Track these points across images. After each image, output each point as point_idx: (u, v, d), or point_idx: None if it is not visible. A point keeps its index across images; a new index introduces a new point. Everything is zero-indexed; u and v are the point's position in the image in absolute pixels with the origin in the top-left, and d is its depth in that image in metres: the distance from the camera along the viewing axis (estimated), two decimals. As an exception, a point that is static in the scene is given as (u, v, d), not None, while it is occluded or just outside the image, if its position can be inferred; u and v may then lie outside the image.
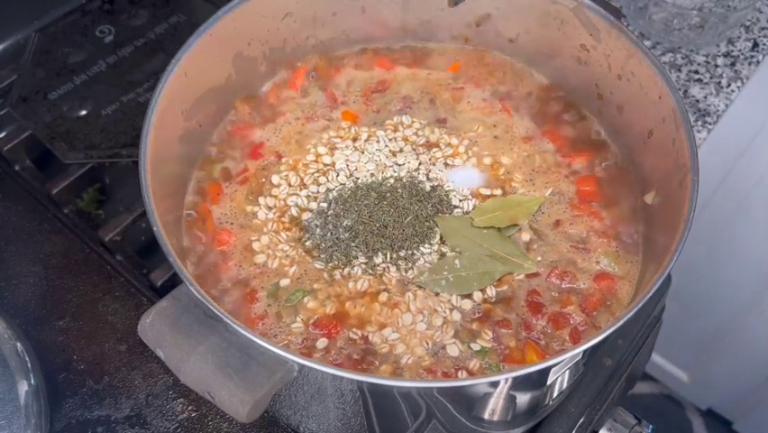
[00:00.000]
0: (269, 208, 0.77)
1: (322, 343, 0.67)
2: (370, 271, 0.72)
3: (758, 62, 1.06)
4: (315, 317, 0.69)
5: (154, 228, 0.61)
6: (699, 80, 1.04)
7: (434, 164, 0.80)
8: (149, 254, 0.90)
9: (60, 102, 0.92)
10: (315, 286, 0.71)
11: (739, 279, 1.56)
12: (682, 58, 1.06)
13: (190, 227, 0.75)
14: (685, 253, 0.61)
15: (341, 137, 0.82)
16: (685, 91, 1.03)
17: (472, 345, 0.67)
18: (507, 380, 0.59)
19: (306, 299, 0.70)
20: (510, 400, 0.64)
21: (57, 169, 0.92)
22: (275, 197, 0.77)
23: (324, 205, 0.76)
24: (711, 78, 1.04)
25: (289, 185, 0.78)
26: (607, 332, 0.57)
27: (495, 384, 0.60)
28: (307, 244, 0.74)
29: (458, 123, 0.84)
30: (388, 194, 0.76)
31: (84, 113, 0.91)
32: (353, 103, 0.87)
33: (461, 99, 0.87)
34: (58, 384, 0.76)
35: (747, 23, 1.11)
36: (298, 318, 0.69)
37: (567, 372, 0.65)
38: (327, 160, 0.80)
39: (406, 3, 0.87)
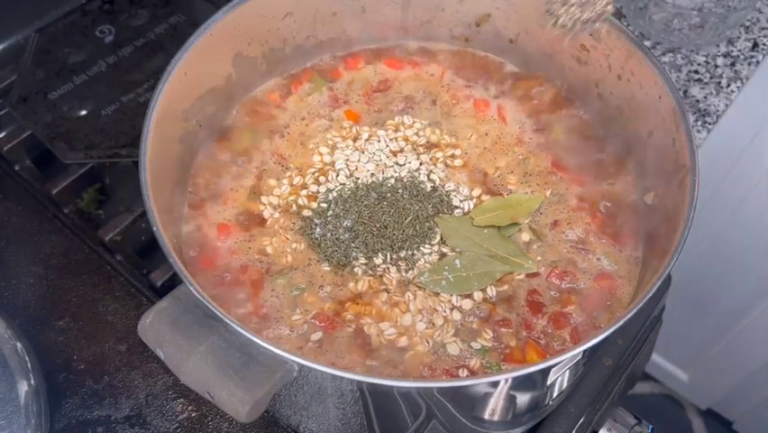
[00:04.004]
0: (274, 207, 0.77)
1: (316, 335, 0.67)
2: (370, 272, 0.72)
3: (758, 62, 1.06)
4: (314, 312, 0.69)
5: (154, 228, 0.61)
6: (699, 80, 1.04)
7: (434, 164, 0.80)
8: (149, 254, 0.90)
9: (60, 102, 0.92)
10: (315, 284, 0.71)
11: (739, 278, 1.56)
12: (682, 58, 1.06)
13: (191, 225, 0.75)
14: (685, 253, 0.61)
15: (342, 137, 0.82)
16: (685, 91, 1.03)
17: (473, 343, 0.67)
18: (507, 380, 0.59)
19: (305, 294, 0.70)
20: (510, 399, 0.64)
21: (57, 169, 0.92)
22: (277, 196, 0.77)
23: (324, 205, 0.76)
24: (711, 78, 1.04)
25: (291, 185, 0.78)
26: (607, 332, 0.57)
27: (495, 384, 0.60)
28: (308, 243, 0.74)
29: (453, 127, 0.84)
30: (389, 194, 0.76)
31: (84, 113, 0.91)
32: (355, 103, 0.87)
33: (458, 101, 0.87)
34: (58, 384, 0.76)
35: (747, 23, 1.11)
36: (297, 310, 0.69)
37: (567, 372, 0.65)
38: (327, 159, 0.80)
39: (407, 3, 0.87)
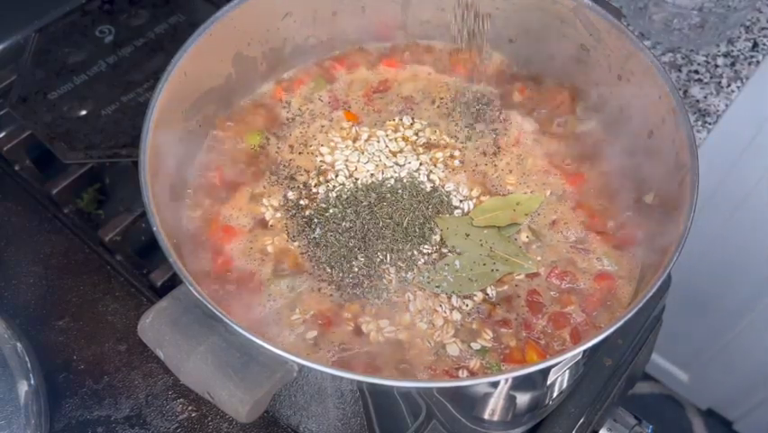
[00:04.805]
0: (275, 208, 0.77)
1: (311, 334, 0.67)
2: (370, 273, 0.72)
3: (758, 62, 1.06)
4: (313, 311, 0.69)
5: (154, 228, 0.61)
6: (699, 80, 1.04)
7: (434, 165, 0.80)
8: (149, 254, 0.90)
9: (60, 102, 0.92)
10: (314, 285, 0.71)
11: (739, 279, 1.56)
12: (682, 58, 1.06)
13: (191, 225, 0.75)
14: (685, 253, 0.61)
15: (342, 137, 0.82)
16: (685, 91, 1.03)
17: (473, 344, 0.67)
18: (507, 380, 0.59)
19: (304, 294, 0.70)
20: (510, 400, 0.64)
21: (57, 169, 0.92)
22: (278, 197, 0.77)
23: (324, 205, 0.76)
24: (711, 78, 1.04)
25: (292, 186, 0.78)
26: (607, 332, 0.57)
27: (495, 384, 0.60)
28: (308, 243, 0.74)
29: (452, 128, 0.84)
30: (388, 194, 0.76)
31: (84, 113, 0.91)
32: (355, 103, 0.87)
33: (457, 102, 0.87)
34: (58, 384, 0.76)
35: (747, 23, 1.11)
36: (297, 310, 0.69)
37: (567, 372, 0.65)
38: (328, 160, 0.80)
39: (406, 3, 0.87)
